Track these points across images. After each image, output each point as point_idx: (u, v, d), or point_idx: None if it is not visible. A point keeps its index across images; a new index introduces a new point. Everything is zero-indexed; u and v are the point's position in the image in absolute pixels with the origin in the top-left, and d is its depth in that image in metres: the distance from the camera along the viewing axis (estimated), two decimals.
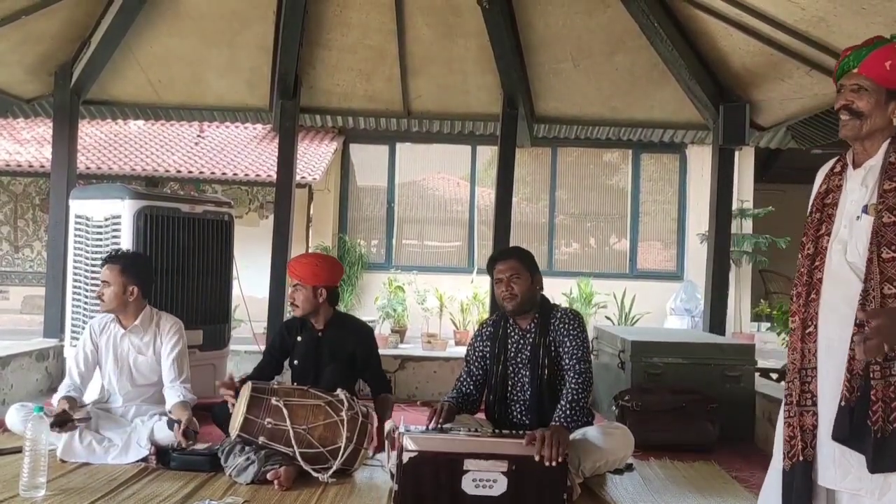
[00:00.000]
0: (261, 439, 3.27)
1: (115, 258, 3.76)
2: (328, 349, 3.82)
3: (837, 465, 2.09)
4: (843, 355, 2.07)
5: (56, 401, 3.57)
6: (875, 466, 1.99)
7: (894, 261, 2.01)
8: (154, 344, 3.75)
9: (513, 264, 3.36)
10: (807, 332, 2.17)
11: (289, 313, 5.79)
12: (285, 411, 3.27)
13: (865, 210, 2.09)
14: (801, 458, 2.13)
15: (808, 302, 2.18)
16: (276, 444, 3.27)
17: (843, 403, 2.03)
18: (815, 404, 2.14)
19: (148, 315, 3.78)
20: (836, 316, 2.12)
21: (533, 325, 3.38)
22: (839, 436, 2.04)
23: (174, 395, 3.64)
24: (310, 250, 11.73)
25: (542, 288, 3.44)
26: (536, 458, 2.82)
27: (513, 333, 3.43)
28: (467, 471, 2.85)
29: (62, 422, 3.39)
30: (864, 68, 2.11)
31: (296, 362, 3.87)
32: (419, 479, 2.87)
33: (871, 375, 1.99)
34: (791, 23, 4.15)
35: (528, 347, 3.36)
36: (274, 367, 3.91)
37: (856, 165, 2.19)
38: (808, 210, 2.27)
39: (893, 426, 1.98)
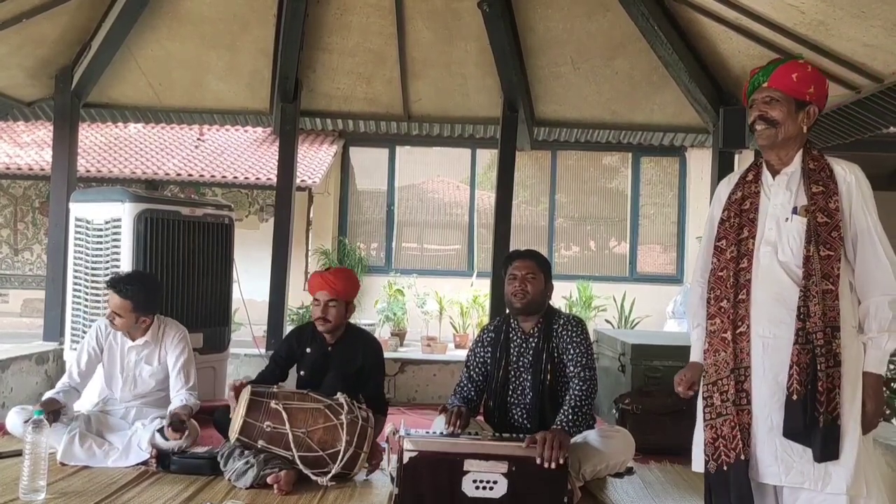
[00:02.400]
0: (260, 443, 3.27)
1: (125, 293, 3.63)
2: (337, 362, 3.79)
3: (780, 461, 2.15)
4: (781, 352, 2.15)
5: (45, 398, 3.58)
6: (823, 456, 2.07)
7: (830, 259, 2.14)
8: (159, 353, 3.76)
9: (531, 265, 3.37)
10: (738, 332, 2.23)
11: (290, 319, 5.80)
12: (284, 414, 3.27)
13: (795, 211, 2.22)
14: (741, 458, 2.16)
15: (736, 302, 2.25)
16: (275, 448, 3.26)
17: (794, 398, 2.10)
18: (749, 403, 2.20)
19: (156, 328, 3.79)
20: (769, 315, 2.20)
21: (536, 329, 3.36)
22: (793, 430, 2.11)
23: (178, 400, 3.66)
24: (310, 254, 11.74)
25: (551, 294, 3.45)
26: (538, 461, 2.82)
27: (515, 338, 3.41)
28: (467, 472, 2.85)
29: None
30: (774, 81, 2.28)
31: (302, 373, 3.85)
32: (419, 480, 2.87)
33: (818, 367, 2.08)
34: (791, 26, 4.15)
35: (531, 352, 3.35)
36: (278, 375, 3.87)
37: (773, 174, 2.31)
38: (720, 217, 2.37)
39: (833, 415, 2.08)
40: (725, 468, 2.19)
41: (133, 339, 3.74)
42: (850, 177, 2.22)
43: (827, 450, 2.07)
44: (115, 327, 3.72)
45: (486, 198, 12.23)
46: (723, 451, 2.20)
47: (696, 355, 2.48)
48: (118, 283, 3.69)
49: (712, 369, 2.28)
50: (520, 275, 3.34)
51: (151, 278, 4.03)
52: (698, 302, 2.46)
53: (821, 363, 2.09)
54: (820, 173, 2.23)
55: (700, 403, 2.33)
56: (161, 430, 3.49)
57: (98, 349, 3.75)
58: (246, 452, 3.29)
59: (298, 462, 3.24)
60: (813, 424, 2.07)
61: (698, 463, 2.34)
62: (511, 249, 5.79)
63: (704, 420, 2.28)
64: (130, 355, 3.74)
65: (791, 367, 2.12)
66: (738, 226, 2.31)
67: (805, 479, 2.12)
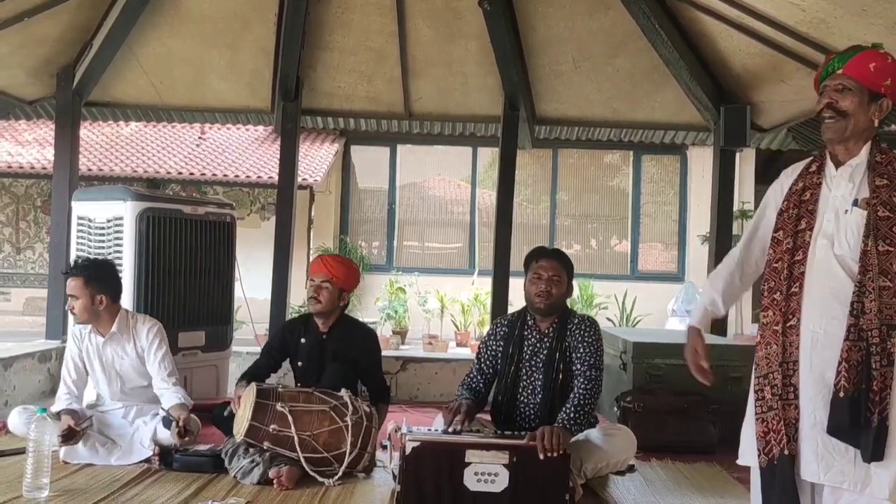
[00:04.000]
0: (265, 444, 3.27)
1: (76, 270, 3.67)
2: (332, 351, 3.82)
3: (820, 459, 2.10)
4: (830, 348, 2.09)
5: (56, 411, 3.54)
6: (872, 456, 2.01)
7: (889, 254, 2.06)
8: (135, 347, 3.71)
9: (557, 266, 3.33)
10: (788, 325, 2.18)
11: (291, 314, 5.81)
12: (290, 417, 3.26)
13: (856, 203, 2.13)
14: (785, 452, 2.12)
15: (789, 295, 2.19)
16: (280, 449, 3.26)
17: (841, 395, 2.04)
18: (796, 397, 2.15)
19: (124, 319, 3.73)
20: (822, 309, 2.14)
21: (552, 329, 3.35)
22: (838, 428, 2.05)
23: (171, 396, 3.60)
24: (311, 252, 11.74)
25: (571, 295, 3.44)
26: (541, 456, 2.83)
27: (529, 336, 3.39)
28: (469, 463, 2.85)
29: (70, 436, 3.39)
30: (849, 69, 2.16)
31: (300, 364, 3.87)
32: (421, 473, 2.87)
33: (872, 366, 2.02)
34: (792, 24, 4.16)
35: (545, 351, 3.33)
36: (272, 367, 3.89)
37: (837, 164, 2.23)
38: (780, 207, 2.31)
39: (883, 416, 2.02)
40: (776, 462, 2.14)
41: (103, 335, 3.71)
42: None
43: (877, 451, 2.01)
44: (76, 318, 3.67)
45: (487, 196, 12.23)
46: (773, 445, 2.15)
47: (694, 319, 2.52)
48: (68, 268, 3.74)
49: (763, 362, 2.22)
50: (546, 276, 3.30)
51: (103, 260, 4.01)
52: (724, 273, 2.49)
53: (875, 361, 2.02)
54: (887, 167, 2.14)
55: (751, 396, 2.27)
56: (165, 422, 3.48)
57: (79, 356, 3.72)
58: (251, 450, 3.30)
59: (304, 463, 3.24)
60: (865, 424, 2.01)
61: (745, 457, 2.29)
62: (512, 248, 5.85)
63: (756, 413, 2.22)
64: (106, 351, 3.70)
65: (840, 364, 2.06)
66: (796, 217, 2.23)
67: (845, 479, 2.07)
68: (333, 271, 3.81)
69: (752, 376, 2.28)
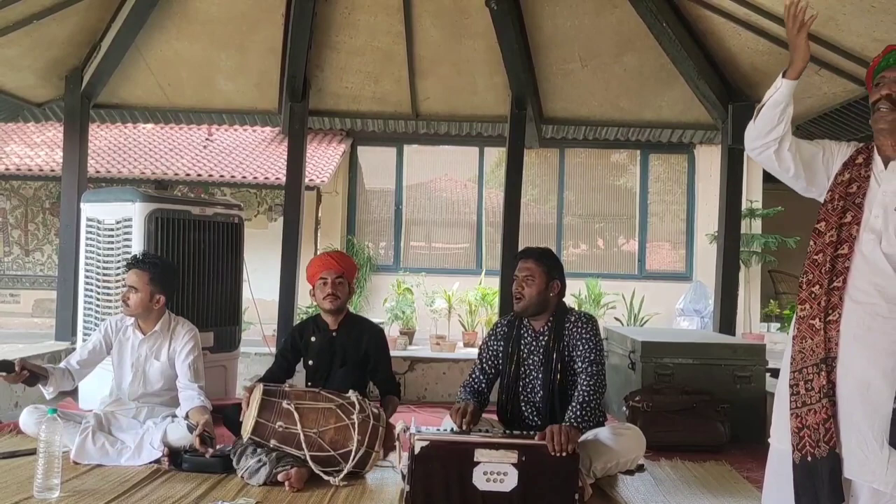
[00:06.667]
0: (272, 442, 3.28)
1: (144, 264, 3.71)
2: (342, 348, 3.85)
3: (853, 457, 2.07)
4: (874, 346, 2.05)
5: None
6: None
7: None
8: (168, 347, 3.76)
9: (529, 266, 3.34)
10: (829, 320, 2.13)
11: (300, 318, 5.82)
12: (296, 415, 3.27)
13: None
14: (836, 451, 2.07)
15: (830, 290, 2.14)
16: (287, 447, 3.27)
17: None
18: (835, 394, 2.10)
19: (166, 321, 3.79)
20: (864, 305, 2.10)
21: (546, 328, 3.35)
22: None
23: (193, 397, 3.63)
24: (318, 252, 11.75)
25: (560, 294, 3.38)
26: (552, 453, 2.83)
27: (526, 335, 3.41)
28: (478, 462, 2.85)
29: (4, 368, 3.41)
30: None
31: (311, 362, 3.89)
32: (430, 472, 2.87)
33: None
34: None
35: (541, 351, 3.34)
36: (286, 370, 3.91)
37: (885, 161, 2.18)
38: (825, 198, 2.25)
39: None
40: (810, 459, 2.10)
41: (144, 333, 3.75)
42: None
43: None
44: (128, 310, 3.69)
45: (495, 196, 12.23)
46: (808, 442, 2.11)
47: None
48: (136, 259, 3.77)
49: (799, 356, 2.18)
50: (519, 276, 3.33)
51: (169, 261, 4.17)
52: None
53: None
54: None
55: (783, 386, 2.24)
56: (189, 427, 3.49)
57: (106, 344, 3.75)
58: (258, 450, 3.31)
59: (310, 461, 3.25)
60: None
61: (779, 439, 2.26)
62: (520, 247, 5.83)
63: (791, 408, 2.18)
64: (142, 349, 3.74)
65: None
66: (841, 209, 2.19)
67: (875, 479, 2.05)
68: (343, 265, 3.89)
69: (787, 370, 2.23)
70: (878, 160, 2.21)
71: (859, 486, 2.10)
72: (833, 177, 2.27)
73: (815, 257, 2.20)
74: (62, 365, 3.71)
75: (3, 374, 3.42)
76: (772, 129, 2.35)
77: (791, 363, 2.21)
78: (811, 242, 2.24)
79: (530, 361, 3.37)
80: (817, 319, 2.14)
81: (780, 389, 2.28)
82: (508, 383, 3.40)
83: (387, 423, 3.48)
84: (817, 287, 2.16)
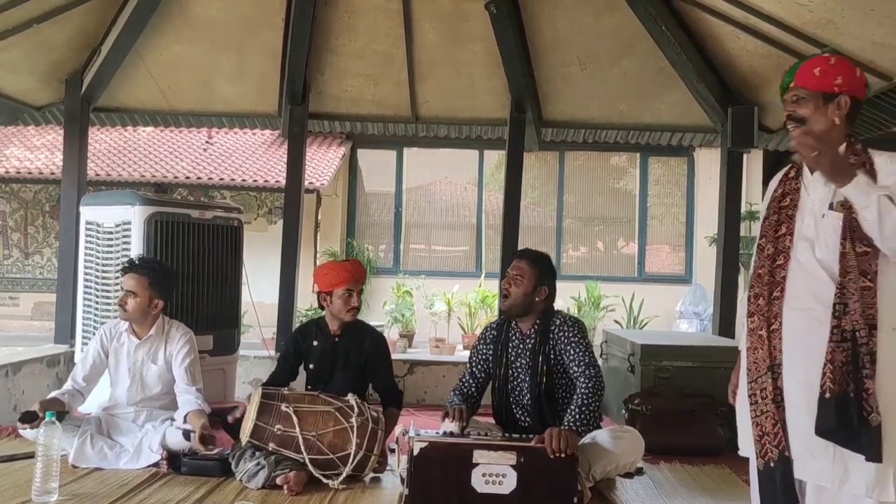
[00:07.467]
0: (271, 445, 3.28)
1: (143, 269, 3.68)
2: (343, 353, 3.82)
3: (801, 458, 2.13)
4: (813, 350, 2.12)
5: (46, 398, 3.59)
6: (876, 456, 2.03)
7: (868, 255, 2.10)
8: (164, 350, 3.75)
9: (521, 266, 3.35)
10: (772, 329, 2.22)
11: (299, 321, 5.82)
12: (295, 418, 3.27)
13: (832, 207, 2.17)
14: (785, 454, 2.16)
15: (771, 300, 2.23)
16: (285, 451, 3.27)
17: (827, 396, 2.07)
18: (783, 399, 2.19)
19: (161, 324, 3.78)
20: (802, 311, 2.17)
21: (533, 331, 3.36)
22: (826, 429, 2.07)
23: (191, 401, 3.62)
24: (318, 256, 11.77)
25: (549, 298, 3.38)
26: (551, 455, 2.83)
27: (513, 338, 3.42)
28: (476, 464, 2.85)
29: (30, 419, 3.40)
30: (798, 80, 2.29)
31: (311, 366, 3.86)
32: (429, 474, 2.87)
33: (864, 365, 2.05)
34: (798, 25, 4.14)
35: (528, 354, 3.35)
36: (289, 374, 3.89)
37: (812, 169, 2.26)
38: (763, 215, 2.36)
39: (877, 415, 2.04)
40: (772, 465, 2.18)
41: (139, 337, 3.74)
42: (893, 166, 2.16)
43: (878, 450, 2.03)
44: (125, 315, 3.68)
45: (494, 199, 12.22)
46: (768, 449, 2.19)
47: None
48: (134, 264, 3.74)
49: (753, 367, 2.26)
50: (510, 274, 3.35)
51: (168, 265, 4.14)
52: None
53: (864, 361, 2.05)
54: (859, 168, 2.15)
55: (743, 395, 2.31)
56: (185, 434, 3.48)
57: (103, 352, 3.74)
58: (257, 453, 3.30)
59: (309, 465, 3.24)
60: (860, 424, 2.03)
61: (744, 449, 2.34)
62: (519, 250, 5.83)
63: (751, 417, 2.25)
64: (138, 354, 3.73)
65: (825, 366, 2.08)
66: (776, 222, 2.29)
67: (823, 476, 2.11)
68: (359, 276, 3.83)
69: (745, 381, 2.31)
70: (806, 170, 2.30)
71: (808, 485, 2.17)
72: (771, 195, 2.37)
73: (759, 271, 2.29)
74: (69, 386, 3.69)
75: (29, 424, 3.40)
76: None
77: (747, 374, 2.30)
78: (754, 259, 2.34)
79: (518, 364, 3.38)
80: (763, 330, 2.23)
81: (741, 399, 2.36)
82: (499, 386, 3.42)
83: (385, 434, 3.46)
84: (762, 300, 2.25)
